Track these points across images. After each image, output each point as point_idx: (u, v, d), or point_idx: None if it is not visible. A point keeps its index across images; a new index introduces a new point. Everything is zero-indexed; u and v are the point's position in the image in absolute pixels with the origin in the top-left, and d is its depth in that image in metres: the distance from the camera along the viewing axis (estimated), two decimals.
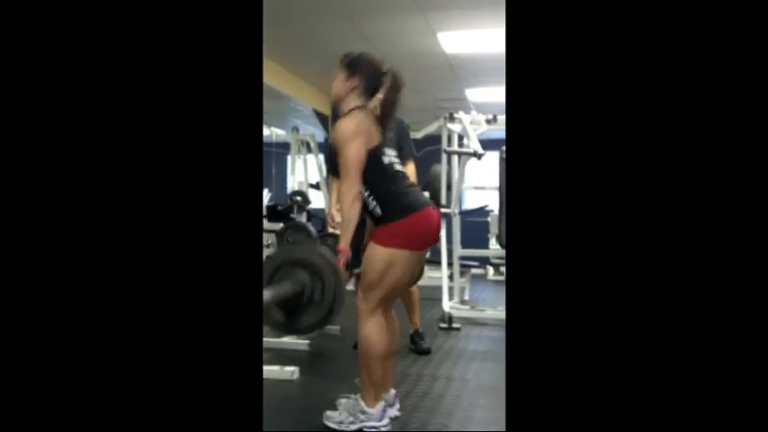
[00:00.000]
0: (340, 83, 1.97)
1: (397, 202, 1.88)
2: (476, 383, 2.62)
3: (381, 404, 1.98)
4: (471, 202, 6.85)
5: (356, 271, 1.99)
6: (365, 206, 1.90)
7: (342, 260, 1.81)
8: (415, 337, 3.18)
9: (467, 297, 5.10)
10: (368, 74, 1.95)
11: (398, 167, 1.97)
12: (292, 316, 1.69)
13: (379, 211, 1.88)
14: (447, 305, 4.08)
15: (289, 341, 3.05)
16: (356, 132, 1.87)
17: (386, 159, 1.93)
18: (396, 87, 1.96)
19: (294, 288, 1.65)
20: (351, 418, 1.97)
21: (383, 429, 1.96)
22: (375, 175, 1.89)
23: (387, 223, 1.87)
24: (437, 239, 1.96)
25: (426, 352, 3.15)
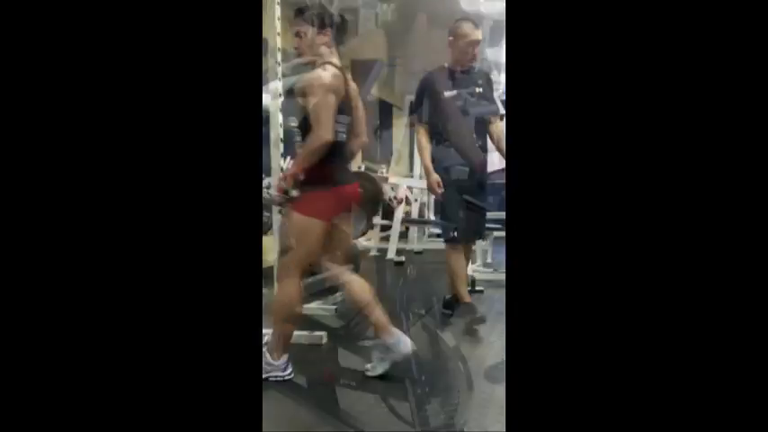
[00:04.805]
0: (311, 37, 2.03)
1: None
2: (500, 345, 2.66)
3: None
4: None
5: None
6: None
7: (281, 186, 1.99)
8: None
9: (489, 260, 5.11)
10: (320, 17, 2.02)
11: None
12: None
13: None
14: (470, 268, 4.11)
15: (315, 307, 3.12)
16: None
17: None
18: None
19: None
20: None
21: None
22: None
23: None
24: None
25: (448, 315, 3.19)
